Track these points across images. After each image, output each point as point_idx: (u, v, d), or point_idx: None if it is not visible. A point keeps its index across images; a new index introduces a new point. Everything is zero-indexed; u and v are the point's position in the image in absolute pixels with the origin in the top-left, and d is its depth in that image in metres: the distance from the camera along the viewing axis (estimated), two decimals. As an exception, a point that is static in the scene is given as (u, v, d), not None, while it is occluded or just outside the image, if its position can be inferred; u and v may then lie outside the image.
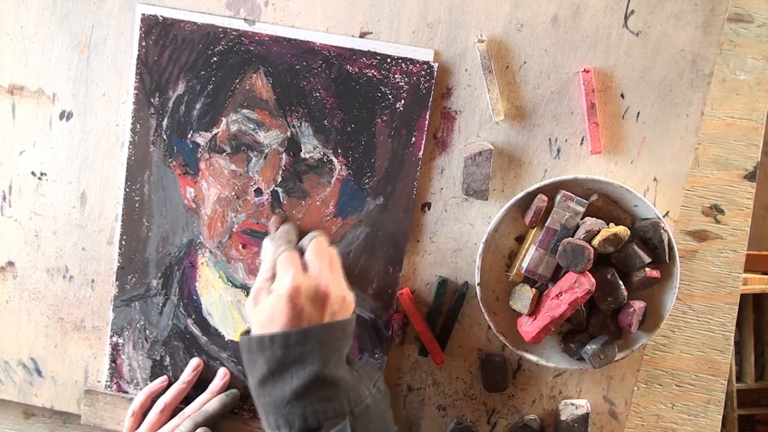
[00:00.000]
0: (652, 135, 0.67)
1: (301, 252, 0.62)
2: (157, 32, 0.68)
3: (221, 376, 0.72)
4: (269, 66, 0.67)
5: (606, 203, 0.65)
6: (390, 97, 0.67)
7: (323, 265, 0.59)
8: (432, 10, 0.66)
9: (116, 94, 0.70)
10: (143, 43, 0.68)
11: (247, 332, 0.59)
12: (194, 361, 0.72)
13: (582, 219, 0.64)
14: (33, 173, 0.72)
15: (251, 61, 0.67)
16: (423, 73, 0.66)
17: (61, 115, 0.71)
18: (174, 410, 0.70)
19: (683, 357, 0.73)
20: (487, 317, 0.66)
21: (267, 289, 0.58)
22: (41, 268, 0.73)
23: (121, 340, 0.73)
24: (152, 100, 0.69)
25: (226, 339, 0.72)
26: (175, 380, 0.72)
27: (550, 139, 0.67)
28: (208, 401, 0.70)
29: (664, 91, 0.66)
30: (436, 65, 0.66)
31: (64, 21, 0.69)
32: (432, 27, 0.66)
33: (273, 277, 0.60)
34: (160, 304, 0.72)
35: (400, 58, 0.66)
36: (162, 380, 0.72)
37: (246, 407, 0.72)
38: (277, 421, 0.54)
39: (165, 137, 0.69)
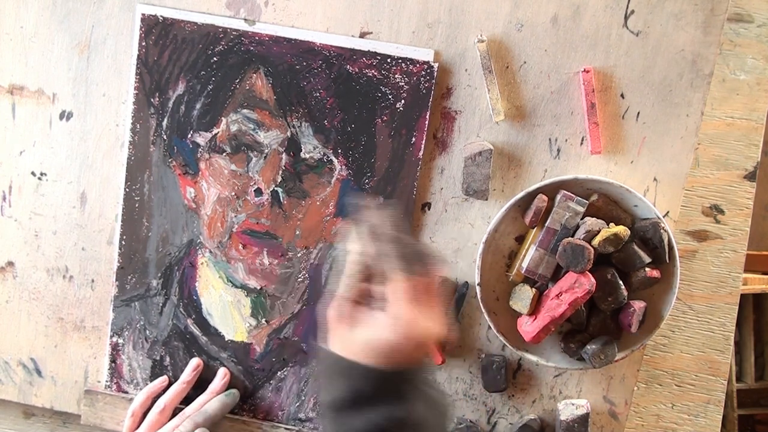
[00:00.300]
0: (652, 135, 0.67)
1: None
2: (157, 32, 0.68)
3: (221, 376, 0.72)
4: (269, 66, 0.67)
5: (606, 203, 0.65)
6: (390, 97, 0.67)
7: (439, 311, 0.51)
8: (432, 10, 0.66)
9: (116, 94, 0.70)
10: (143, 43, 0.68)
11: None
12: (194, 361, 0.72)
13: (582, 219, 0.64)
14: (33, 173, 0.72)
15: (251, 61, 0.67)
16: (423, 73, 0.66)
17: (61, 115, 0.71)
18: (174, 410, 0.70)
19: (683, 357, 0.73)
20: (487, 317, 0.66)
21: (363, 305, 0.50)
22: (41, 268, 0.73)
23: (121, 340, 0.73)
24: (152, 100, 0.69)
25: (226, 339, 0.72)
26: (175, 380, 0.72)
27: (550, 139, 0.67)
28: (208, 401, 0.70)
29: (664, 91, 0.66)
30: (436, 65, 0.66)
31: (64, 21, 0.69)
32: (432, 27, 0.66)
33: (363, 291, 0.51)
34: (160, 304, 0.72)
35: (400, 58, 0.66)
36: (162, 380, 0.72)
37: (246, 407, 0.72)
38: None
39: (165, 137, 0.69)
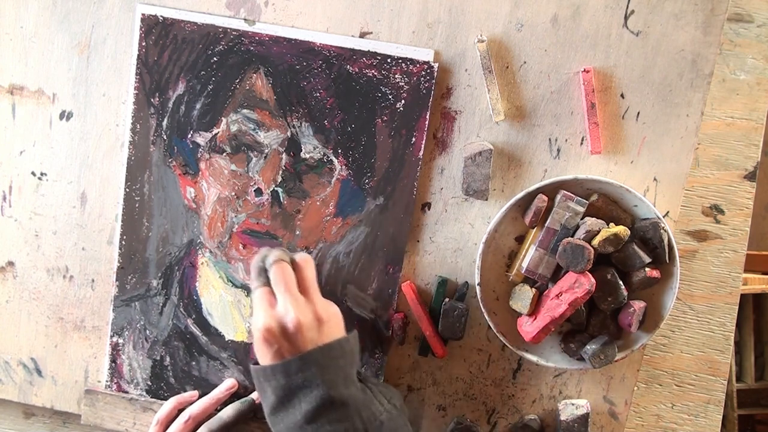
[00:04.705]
0: (652, 135, 0.67)
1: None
2: (157, 32, 0.68)
3: (227, 386, 0.72)
4: (269, 66, 0.67)
5: (606, 203, 0.65)
6: (390, 97, 0.67)
7: (286, 296, 0.58)
8: (432, 10, 0.66)
9: (116, 94, 0.70)
10: (143, 43, 0.68)
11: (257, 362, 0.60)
12: (229, 382, 0.72)
13: (582, 219, 0.64)
14: (33, 173, 0.72)
15: (251, 61, 0.67)
16: (423, 73, 0.66)
17: (61, 115, 0.71)
18: (198, 424, 0.69)
19: (683, 357, 0.73)
20: (487, 317, 0.66)
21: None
22: (41, 268, 0.73)
23: (121, 340, 0.73)
24: (152, 100, 0.69)
25: (226, 339, 0.72)
26: (179, 386, 0.72)
27: (550, 139, 0.67)
28: (210, 405, 0.70)
29: (664, 91, 0.66)
30: (436, 65, 0.66)
31: (64, 21, 0.69)
32: (432, 27, 0.66)
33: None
34: (160, 304, 0.72)
35: (400, 58, 0.66)
36: (191, 394, 0.72)
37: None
38: None
39: (165, 137, 0.69)
